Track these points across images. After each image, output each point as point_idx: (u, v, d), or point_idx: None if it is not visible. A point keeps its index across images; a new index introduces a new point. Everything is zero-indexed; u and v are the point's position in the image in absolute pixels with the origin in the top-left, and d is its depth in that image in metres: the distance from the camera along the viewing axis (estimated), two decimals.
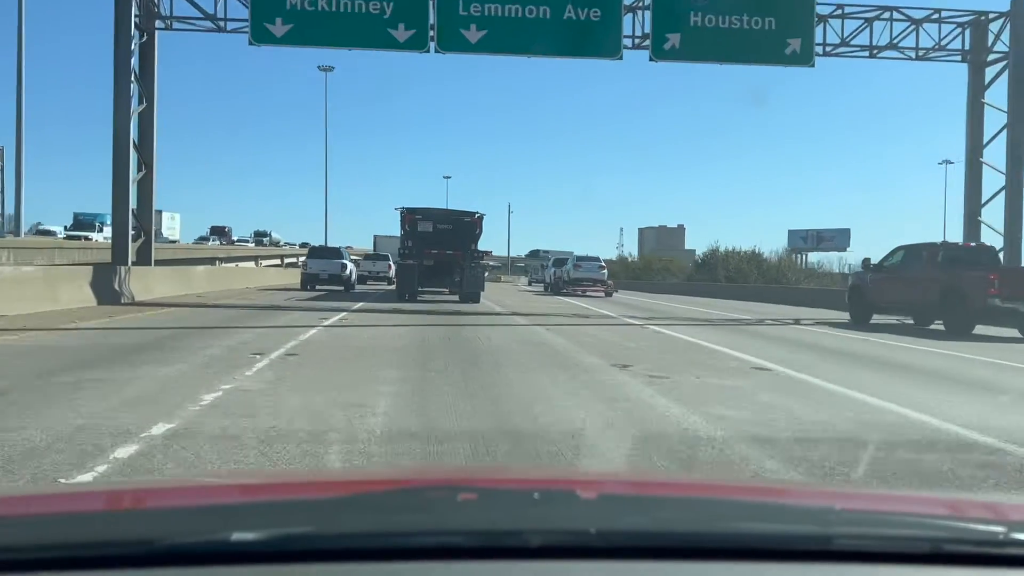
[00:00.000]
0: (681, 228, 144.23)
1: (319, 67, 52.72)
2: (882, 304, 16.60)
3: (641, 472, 3.90)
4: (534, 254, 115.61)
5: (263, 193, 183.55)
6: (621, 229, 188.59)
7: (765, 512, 1.28)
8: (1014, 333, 14.13)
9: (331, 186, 57.67)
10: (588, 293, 30.93)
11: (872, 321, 16.75)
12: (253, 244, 73.78)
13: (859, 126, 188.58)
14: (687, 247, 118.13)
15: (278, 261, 77.32)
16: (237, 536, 0.99)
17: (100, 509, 1.22)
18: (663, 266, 63.83)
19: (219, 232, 69.12)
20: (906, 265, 16.24)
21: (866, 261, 21.48)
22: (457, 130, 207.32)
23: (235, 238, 72.05)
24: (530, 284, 61.99)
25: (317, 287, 25.36)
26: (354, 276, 27.83)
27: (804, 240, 69.57)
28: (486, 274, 24.45)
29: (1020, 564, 1.08)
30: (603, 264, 33.15)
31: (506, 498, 1.27)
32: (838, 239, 67.39)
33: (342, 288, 25.56)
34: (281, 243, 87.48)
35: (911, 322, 16.41)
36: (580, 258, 33.43)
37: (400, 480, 1.68)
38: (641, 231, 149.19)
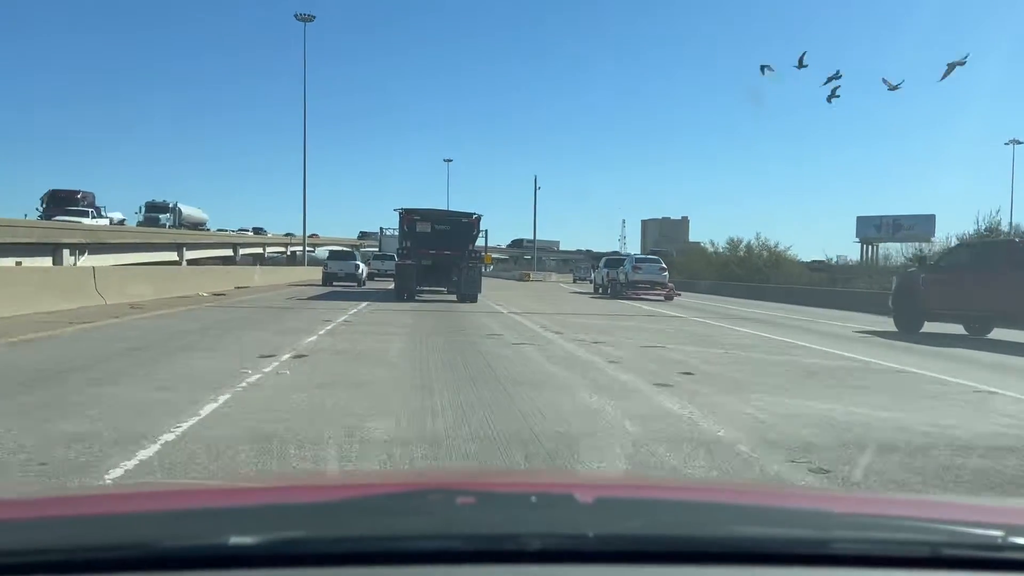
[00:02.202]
0: (685, 220, 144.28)
1: (296, 16, 45.21)
2: (938, 309, 14.38)
3: (639, 475, 3.89)
4: (517, 243, 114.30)
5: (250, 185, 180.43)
6: (623, 221, 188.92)
7: (763, 515, 1.28)
8: None
9: (316, 178, 49.30)
10: (647, 296, 28.69)
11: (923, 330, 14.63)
12: (104, 222, 43.36)
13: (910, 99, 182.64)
14: (691, 239, 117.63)
15: (228, 251, 60.17)
16: (235, 540, 0.99)
17: (97, 512, 1.22)
18: (770, 260, 47.55)
19: (64, 199, 42.26)
20: (972, 264, 14.08)
21: (921, 259, 20.02)
22: (444, 113, 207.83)
23: (104, 213, 44.34)
24: (575, 281, 57.23)
25: (334, 283, 30.92)
26: (365, 274, 33.24)
27: (877, 229, 59.13)
28: (490, 268, 24.54)
29: (1018, 568, 1.08)
30: (664, 265, 31.34)
31: (504, 502, 1.27)
32: (919, 227, 55.58)
33: (355, 284, 31.15)
34: (206, 225, 62.90)
35: (963, 331, 14.38)
36: (639, 259, 31.95)
37: (398, 483, 1.68)
38: (644, 223, 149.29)
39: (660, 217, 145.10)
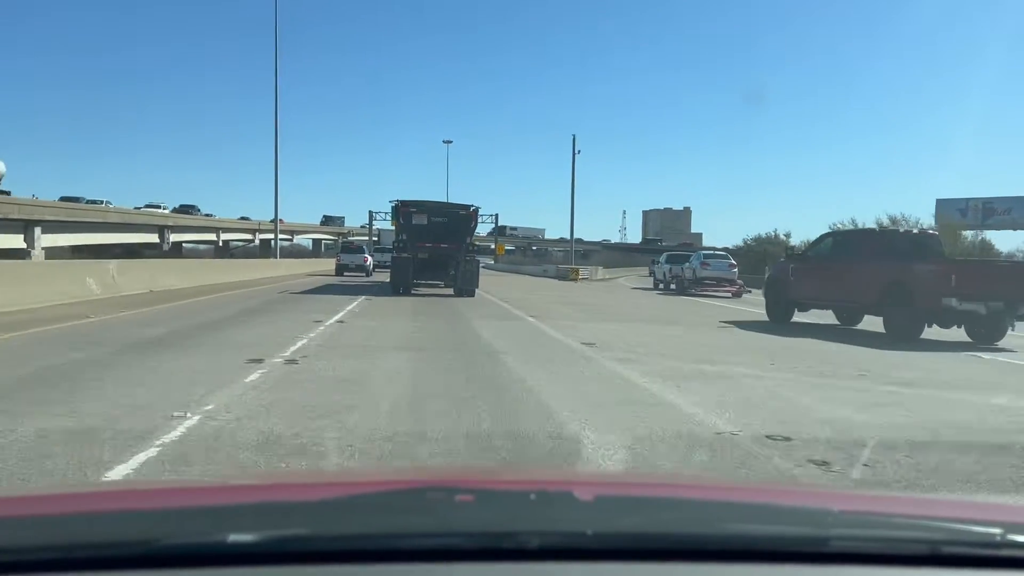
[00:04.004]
0: (687, 210, 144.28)
1: None
2: (807, 300, 14.68)
3: (637, 473, 3.90)
4: (500, 231, 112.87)
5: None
6: (624, 212, 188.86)
7: (762, 513, 1.28)
8: (959, 336, 11.99)
9: (274, 160, 39.40)
10: (715, 293, 27.54)
11: (793, 320, 14.79)
12: None
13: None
14: (693, 230, 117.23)
15: (150, 236, 44.70)
16: (234, 537, 0.99)
17: (98, 510, 1.22)
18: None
19: None
20: (837, 255, 14.28)
21: (789, 250, 20.17)
22: (423, 103, 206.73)
23: None
24: (650, 274, 51.49)
25: (345, 273, 35.74)
26: (372, 265, 37.61)
27: (963, 213, 50.34)
28: (490, 261, 24.06)
29: (1017, 566, 1.08)
30: (733, 262, 29.84)
31: (504, 499, 1.27)
32: (1016, 210, 47.88)
33: (364, 274, 35.72)
34: None
35: (836, 322, 14.52)
36: (708, 255, 30.50)
37: (398, 481, 1.68)
38: (646, 213, 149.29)
39: (662, 208, 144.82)
